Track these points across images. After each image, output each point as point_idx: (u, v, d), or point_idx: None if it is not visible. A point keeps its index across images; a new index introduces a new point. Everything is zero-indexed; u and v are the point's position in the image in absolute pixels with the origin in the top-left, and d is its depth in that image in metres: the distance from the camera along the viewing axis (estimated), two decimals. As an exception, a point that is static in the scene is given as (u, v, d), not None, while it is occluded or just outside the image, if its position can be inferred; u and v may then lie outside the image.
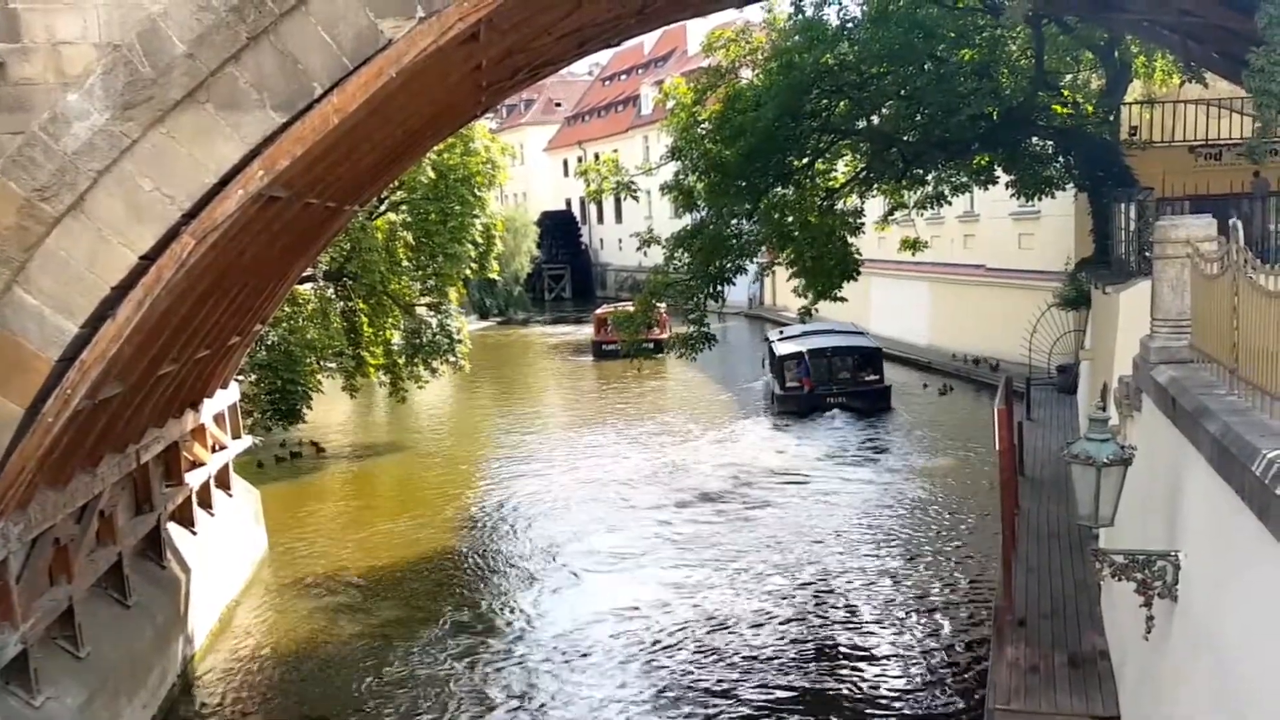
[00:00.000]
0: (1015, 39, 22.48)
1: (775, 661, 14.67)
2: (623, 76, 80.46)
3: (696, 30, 49.67)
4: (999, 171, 23.24)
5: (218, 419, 18.38)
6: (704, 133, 23.07)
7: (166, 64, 9.23)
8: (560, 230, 77.53)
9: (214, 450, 18.09)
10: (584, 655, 15.07)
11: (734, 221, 22.73)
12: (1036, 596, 13.04)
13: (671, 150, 23.96)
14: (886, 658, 14.70)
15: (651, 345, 38.39)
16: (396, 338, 28.99)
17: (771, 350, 33.84)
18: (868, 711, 13.27)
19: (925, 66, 21.16)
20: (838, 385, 31.42)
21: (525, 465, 26.77)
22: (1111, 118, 22.71)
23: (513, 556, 19.83)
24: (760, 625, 15.91)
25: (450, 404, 37.30)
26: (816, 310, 24.74)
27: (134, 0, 9.29)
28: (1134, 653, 9.36)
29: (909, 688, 13.77)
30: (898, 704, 13.36)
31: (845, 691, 13.79)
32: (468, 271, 30.15)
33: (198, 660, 15.37)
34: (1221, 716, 6.51)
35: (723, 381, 38.22)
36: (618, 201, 52.80)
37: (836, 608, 16.55)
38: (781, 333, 35.58)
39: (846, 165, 24.90)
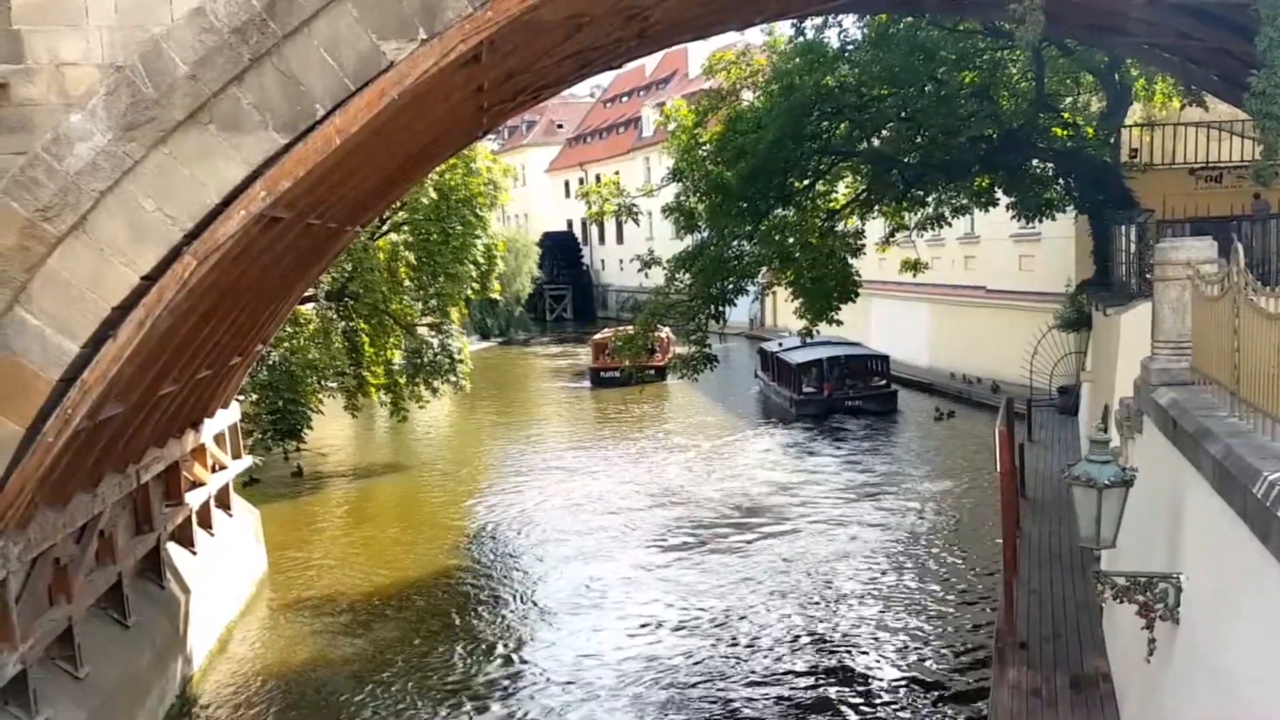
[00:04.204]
0: (1015, 62, 22.61)
1: (774, 686, 14.58)
2: (624, 98, 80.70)
3: (697, 53, 49.92)
4: (999, 193, 23.33)
5: (218, 439, 18.36)
6: (705, 154, 23.16)
7: (169, 85, 9.27)
8: (561, 251, 77.61)
9: (214, 470, 18.08)
10: (577, 686, 14.90)
11: (735, 243, 22.77)
12: (1038, 619, 12.99)
13: (672, 172, 24.04)
14: (886, 680, 14.62)
15: (653, 371, 38.56)
16: (398, 358, 29.00)
17: (779, 360, 36.40)
18: (869, 735, 13.22)
19: (925, 89, 21.28)
20: (852, 390, 34.42)
21: (523, 489, 26.64)
22: (1112, 140, 22.85)
23: (509, 582, 19.72)
24: (758, 649, 15.84)
25: (450, 424, 37.25)
26: (818, 331, 24.83)
27: (137, 21, 9.34)
28: (1136, 675, 9.31)
29: (910, 711, 13.68)
30: (899, 727, 13.30)
31: (846, 716, 13.71)
32: (469, 292, 30.19)
33: (197, 681, 15.31)
34: (1224, 740, 6.48)
35: (724, 401, 38.20)
36: (619, 223, 52.81)
37: (835, 631, 16.48)
38: (781, 344, 37.63)
39: (847, 187, 25.01)
